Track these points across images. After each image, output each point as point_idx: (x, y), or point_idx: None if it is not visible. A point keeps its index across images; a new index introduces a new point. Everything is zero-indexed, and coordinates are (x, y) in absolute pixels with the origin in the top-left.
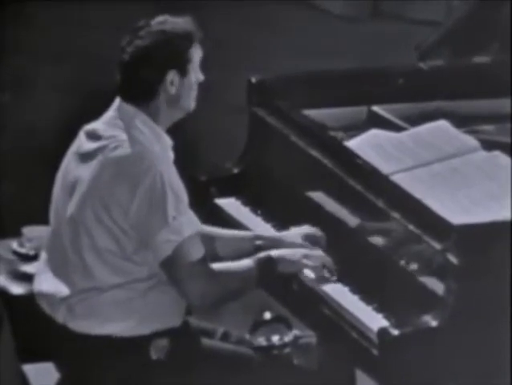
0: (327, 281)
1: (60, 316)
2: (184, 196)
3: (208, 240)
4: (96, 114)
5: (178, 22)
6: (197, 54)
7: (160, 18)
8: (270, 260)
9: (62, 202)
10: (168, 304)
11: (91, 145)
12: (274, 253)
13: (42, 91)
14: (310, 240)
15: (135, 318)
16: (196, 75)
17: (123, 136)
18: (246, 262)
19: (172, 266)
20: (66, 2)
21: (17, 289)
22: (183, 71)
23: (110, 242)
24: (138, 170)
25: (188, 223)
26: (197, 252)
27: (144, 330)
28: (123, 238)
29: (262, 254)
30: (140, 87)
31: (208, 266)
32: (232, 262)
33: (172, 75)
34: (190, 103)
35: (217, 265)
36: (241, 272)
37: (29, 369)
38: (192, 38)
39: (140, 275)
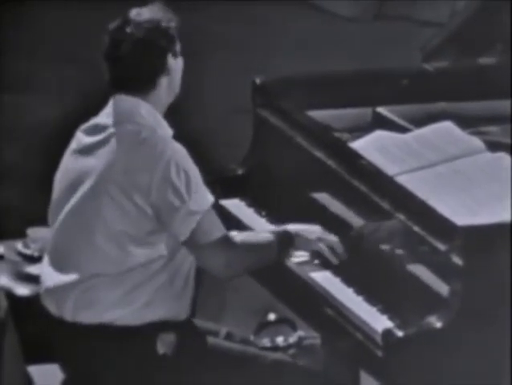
0: (329, 265)
1: (67, 309)
2: (197, 171)
3: None
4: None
5: (153, 10)
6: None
7: (133, 11)
8: (287, 235)
9: (65, 199)
10: (175, 289)
11: (95, 138)
12: (291, 228)
13: (43, 92)
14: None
15: (142, 301)
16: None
17: (130, 125)
18: (266, 235)
19: (197, 241)
20: (66, 2)
21: (22, 290)
22: (175, 52)
23: (126, 224)
24: (153, 153)
25: (207, 194)
26: (217, 225)
27: (152, 315)
28: (141, 218)
29: (280, 228)
30: (145, 77)
31: (229, 236)
32: (252, 233)
33: (169, 58)
34: (179, 84)
35: (238, 235)
36: (262, 244)
37: (34, 370)
38: (170, 20)
39: (150, 258)
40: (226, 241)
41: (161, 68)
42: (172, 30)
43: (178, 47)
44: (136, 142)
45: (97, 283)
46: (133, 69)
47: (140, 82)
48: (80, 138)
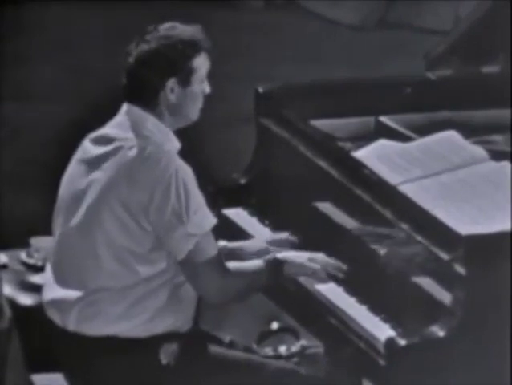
0: (327, 280)
1: (70, 321)
2: (200, 193)
3: None
4: (100, 123)
5: (185, 30)
6: (203, 64)
7: (168, 24)
8: (276, 262)
9: (71, 209)
10: (178, 303)
11: (101, 149)
12: (280, 255)
13: (44, 100)
14: (276, 243)
15: (145, 316)
16: (201, 87)
17: (137, 139)
18: (257, 263)
19: (191, 261)
20: (68, 4)
21: (25, 299)
22: (184, 81)
23: (127, 240)
24: (156, 169)
25: (207, 217)
26: (213, 247)
27: (154, 329)
28: (141, 235)
29: (270, 256)
30: (143, 91)
31: (223, 263)
32: (244, 262)
33: (172, 83)
34: (193, 113)
35: (230, 264)
36: (253, 272)
37: (38, 379)
38: (197, 48)
39: (152, 273)
40: (221, 266)
41: (158, 86)
42: (186, 57)
43: (195, 76)
44: (140, 157)
45: (100, 297)
46: (132, 77)
47: (139, 93)
48: (87, 147)
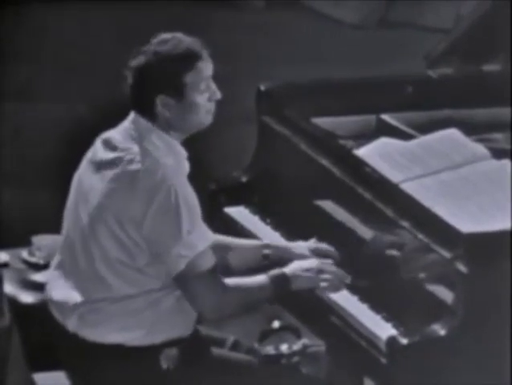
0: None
1: (71, 324)
2: (198, 210)
3: (220, 250)
4: (100, 123)
5: (178, 44)
6: (199, 76)
7: (163, 36)
8: (283, 278)
9: (75, 209)
10: (179, 313)
11: (105, 155)
12: (288, 270)
13: (47, 99)
14: (319, 254)
15: (146, 326)
16: (204, 96)
17: (137, 151)
18: (261, 279)
19: (185, 280)
20: (68, 4)
21: (27, 298)
22: (178, 96)
23: (122, 254)
24: (152, 184)
25: (202, 237)
26: (209, 266)
27: (155, 338)
28: (136, 251)
29: (276, 271)
30: (143, 103)
31: (220, 280)
32: (246, 278)
33: (162, 99)
34: (199, 120)
35: (231, 280)
36: (255, 288)
37: (39, 378)
38: (189, 62)
39: (152, 286)
40: (216, 283)
41: (150, 102)
42: (175, 74)
43: (189, 89)
44: (137, 172)
45: (101, 306)
46: (130, 88)
47: (139, 104)
48: (98, 148)
